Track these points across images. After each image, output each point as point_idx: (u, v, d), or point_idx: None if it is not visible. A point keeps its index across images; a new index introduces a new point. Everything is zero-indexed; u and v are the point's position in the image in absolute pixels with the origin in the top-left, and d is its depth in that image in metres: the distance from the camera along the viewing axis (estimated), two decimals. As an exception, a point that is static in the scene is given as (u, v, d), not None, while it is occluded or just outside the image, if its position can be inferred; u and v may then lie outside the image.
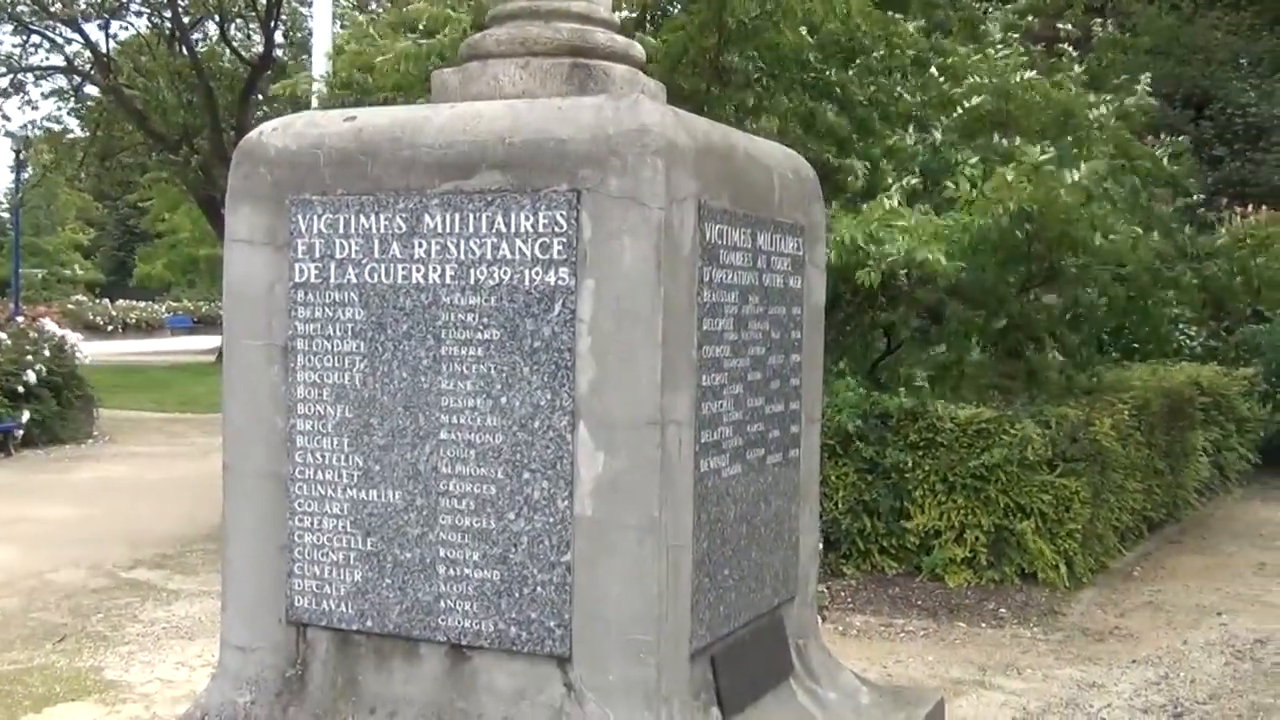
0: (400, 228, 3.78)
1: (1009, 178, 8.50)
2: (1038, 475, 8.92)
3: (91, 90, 33.20)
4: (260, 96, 30.73)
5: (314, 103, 10.73)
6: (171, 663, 7.11)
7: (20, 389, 16.04)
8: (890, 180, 9.54)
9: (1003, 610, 8.42)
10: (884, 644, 7.69)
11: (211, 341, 40.56)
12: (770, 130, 8.79)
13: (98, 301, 52.11)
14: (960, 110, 10.00)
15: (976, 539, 8.95)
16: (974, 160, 9.52)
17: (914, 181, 9.32)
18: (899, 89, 10.36)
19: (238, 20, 32.30)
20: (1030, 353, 10.41)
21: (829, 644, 4.82)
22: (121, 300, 54.28)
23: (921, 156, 9.95)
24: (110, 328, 48.84)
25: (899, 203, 8.91)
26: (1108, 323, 11.00)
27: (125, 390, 23.91)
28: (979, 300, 9.87)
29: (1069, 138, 10.25)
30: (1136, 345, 13.87)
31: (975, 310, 10.14)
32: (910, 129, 10.05)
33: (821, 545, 5.02)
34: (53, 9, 29.44)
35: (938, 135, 10.01)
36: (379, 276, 3.81)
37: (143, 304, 54.57)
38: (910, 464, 9.06)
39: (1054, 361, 10.96)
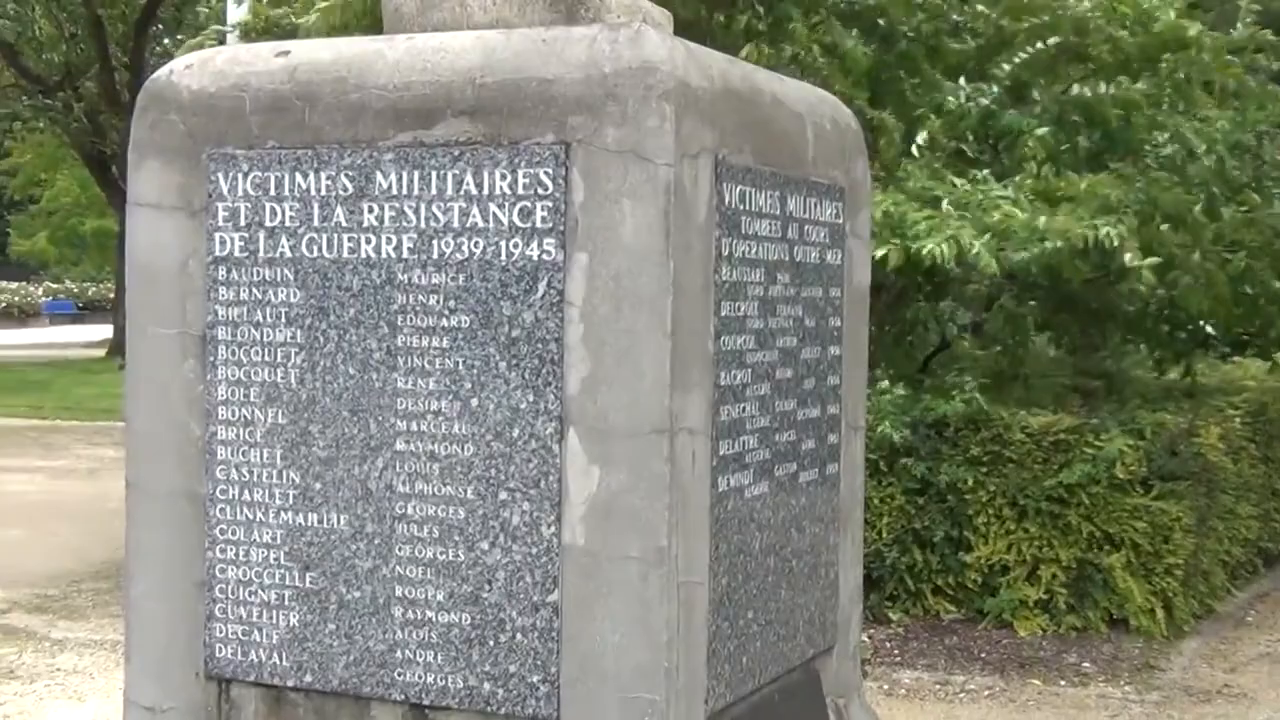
0: (346, 189, 3.79)
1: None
2: (1129, 498, 8.92)
3: (-51, 20, 33.15)
4: (161, 28, 30.69)
5: (231, 34, 10.71)
6: (57, 729, 7.12)
7: None
8: (939, 138, 9.49)
9: (1086, 664, 8.45)
10: (939, 705, 7.71)
11: (101, 332, 40.53)
12: (784, 66, 8.78)
13: (-42, 283, 52.12)
14: (1020, 58, 9.93)
15: (1053, 577, 8.95)
16: (1041, 131, 9.46)
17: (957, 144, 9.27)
18: (957, 15, 10.31)
19: (134, -67, 32.26)
20: (1113, 346, 10.42)
21: (873, 705, 4.84)
22: (-13, 281, 54.25)
23: (967, 119, 9.85)
24: (-26, 315, 48.80)
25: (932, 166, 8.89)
26: (1207, 315, 10.94)
27: (-7, 392, 23.86)
28: (1045, 288, 9.86)
29: (1157, 73, 10.16)
30: (1248, 336, 13.86)
31: (1040, 300, 10.12)
32: (962, 80, 9.99)
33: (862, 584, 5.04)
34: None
35: (990, 91, 9.89)
36: (319, 249, 3.83)
37: (14, 285, 54.50)
38: (971, 483, 9.06)
39: (1143, 358, 10.96)
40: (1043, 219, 8.33)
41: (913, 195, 8.63)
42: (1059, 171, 9.55)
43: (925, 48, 10.21)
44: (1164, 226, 9.01)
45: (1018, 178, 9.22)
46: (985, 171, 9.30)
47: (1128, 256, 8.29)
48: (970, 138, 9.72)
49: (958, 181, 8.94)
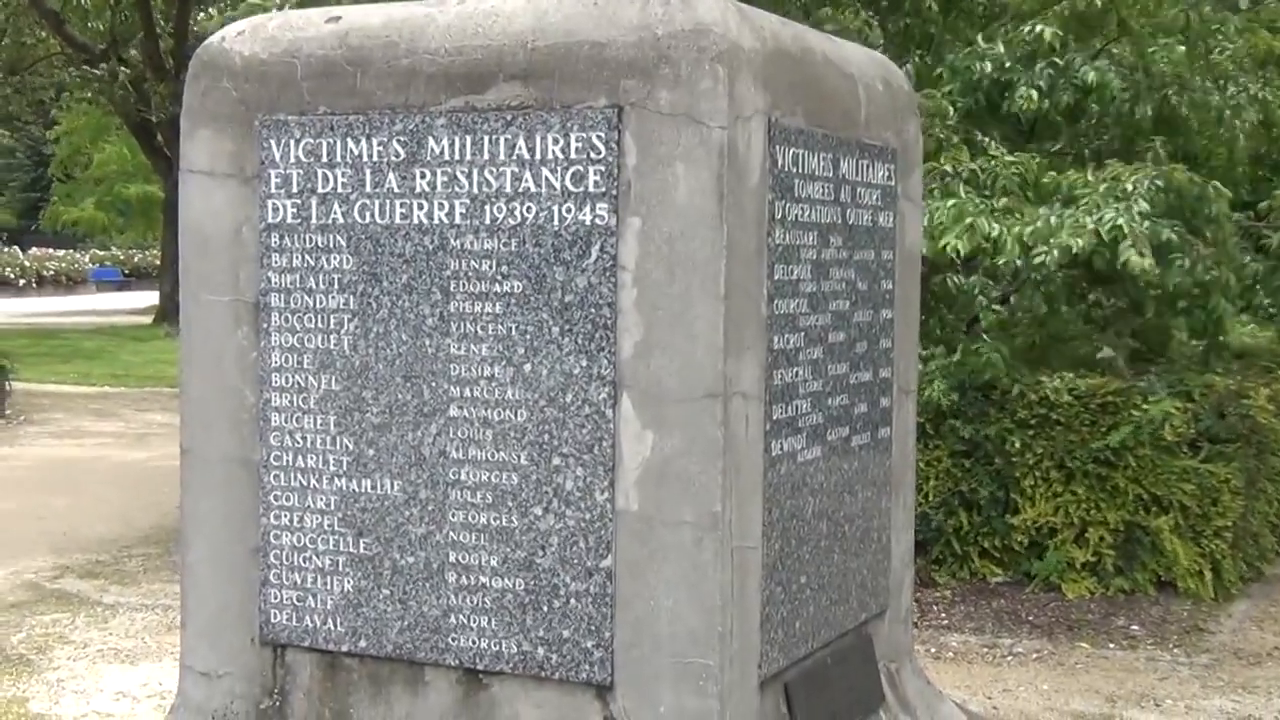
0: (398, 154, 3.77)
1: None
2: (1177, 460, 8.85)
3: (-5, -12, 33.25)
4: (206, -8, 30.68)
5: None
6: (111, 692, 7.17)
7: (-85, 357, 16.16)
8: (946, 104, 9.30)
9: (1135, 627, 8.40)
10: (988, 669, 7.69)
11: (147, 299, 40.74)
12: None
13: (6, 250, 52.39)
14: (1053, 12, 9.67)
15: (1101, 539, 8.90)
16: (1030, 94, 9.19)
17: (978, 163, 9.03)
18: None
19: (178, -102, 32.25)
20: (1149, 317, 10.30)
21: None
22: (36, 249, 54.53)
23: (978, 75, 9.56)
24: (23, 282, 49.11)
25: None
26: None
27: (43, 359, 24.02)
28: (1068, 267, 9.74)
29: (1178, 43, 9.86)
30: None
31: (1067, 276, 10.00)
32: (980, 39, 9.76)
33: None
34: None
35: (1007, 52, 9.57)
36: (372, 215, 3.81)
37: (61, 253, 54.79)
38: (1018, 446, 9.01)
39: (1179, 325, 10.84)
40: (1055, 220, 8.09)
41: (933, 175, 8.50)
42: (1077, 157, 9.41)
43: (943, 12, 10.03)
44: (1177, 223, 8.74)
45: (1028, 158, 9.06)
46: (995, 145, 9.14)
47: (1128, 251, 8.02)
48: (982, 101, 9.48)
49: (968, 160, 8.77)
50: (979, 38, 9.46)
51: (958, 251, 8.04)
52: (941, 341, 9.60)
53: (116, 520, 11.39)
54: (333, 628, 3.90)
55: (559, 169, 3.61)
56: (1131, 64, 9.43)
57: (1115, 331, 10.32)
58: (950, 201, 8.20)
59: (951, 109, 9.00)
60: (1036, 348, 10.26)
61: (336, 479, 3.88)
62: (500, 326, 3.68)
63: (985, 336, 9.51)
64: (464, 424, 3.73)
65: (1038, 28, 9.01)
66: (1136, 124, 9.81)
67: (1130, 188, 8.11)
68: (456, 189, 3.72)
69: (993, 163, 8.69)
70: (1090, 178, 8.36)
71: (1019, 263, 8.20)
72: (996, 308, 10.46)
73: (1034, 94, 9.03)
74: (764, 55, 3.65)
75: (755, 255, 3.62)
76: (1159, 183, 8.28)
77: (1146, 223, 7.95)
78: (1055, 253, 8.00)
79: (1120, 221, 7.84)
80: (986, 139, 9.10)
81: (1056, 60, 9.22)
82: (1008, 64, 9.21)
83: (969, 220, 8.01)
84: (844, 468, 4.14)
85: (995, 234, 8.01)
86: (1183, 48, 9.51)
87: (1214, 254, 9.01)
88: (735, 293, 3.52)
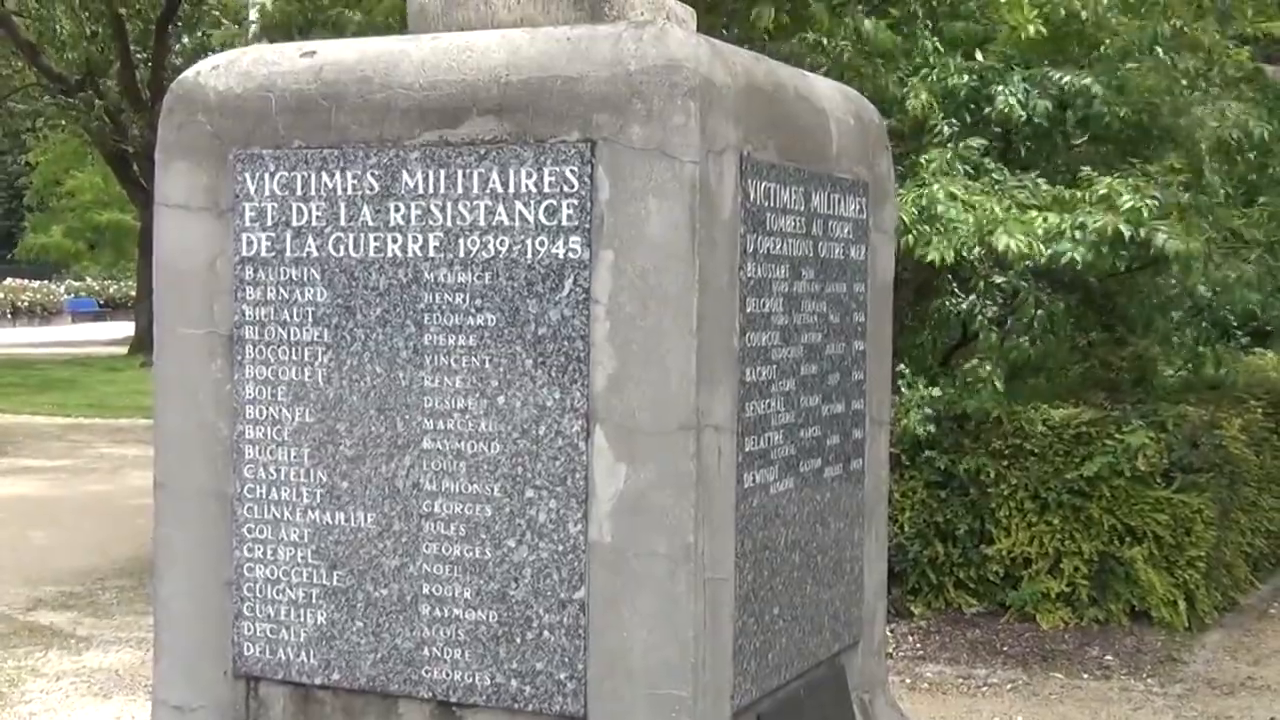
0: (372, 188, 3.79)
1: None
2: (1151, 490, 8.90)
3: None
4: (181, 23, 30.73)
5: (252, 16, 10.70)
6: (84, 726, 7.15)
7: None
8: (941, 125, 9.38)
9: (1109, 657, 8.43)
10: (962, 700, 7.71)
11: (123, 329, 40.67)
12: (809, 53, 8.75)
13: (-20, 281, 52.24)
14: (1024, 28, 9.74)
15: (1075, 569, 8.94)
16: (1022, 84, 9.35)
17: (978, 143, 9.15)
18: None
19: (154, -68, 32.29)
20: (1139, 338, 10.36)
21: (896, 699, 4.84)
22: (10, 279, 54.38)
23: (961, 87, 9.65)
24: (-4, 313, 49.00)
25: (956, 165, 8.82)
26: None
27: (17, 391, 23.96)
28: (1069, 283, 9.80)
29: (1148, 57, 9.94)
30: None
31: (1066, 294, 10.07)
32: (959, 56, 9.84)
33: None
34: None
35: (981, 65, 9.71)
36: (346, 249, 3.83)
37: (37, 284, 54.65)
38: (993, 476, 9.05)
39: (1167, 352, 10.90)
40: (1084, 218, 8.32)
41: (935, 187, 8.58)
42: (1066, 169, 9.52)
43: (930, 24, 10.11)
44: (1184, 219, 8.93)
45: (1031, 176, 9.16)
46: (994, 164, 9.23)
47: (1160, 237, 8.26)
48: (967, 119, 9.58)
49: (974, 171, 8.89)
50: (958, 55, 9.55)
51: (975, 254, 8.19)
52: (925, 370, 9.64)
53: (91, 552, 11.34)
54: (306, 660, 3.91)
55: (532, 203, 3.64)
56: (1105, 81, 9.52)
57: (1102, 359, 10.38)
58: (978, 204, 8.34)
59: (945, 127, 9.12)
60: (1030, 371, 10.31)
61: (310, 511, 3.89)
62: (474, 359, 3.70)
63: (981, 362, 9.53)
64: (437, 456, 3.75)
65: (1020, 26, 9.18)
66: (1115, 136, 9.91)
67: (1140, 184, 8.38)
68: (430, 222, 3.74)
69: (997, 186, 8.79)
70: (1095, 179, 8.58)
71: (1041, 260, 8.32)
72: (994, 330, 10.53)
73: (1014, 102, 9.12)
74: (736, 90, 3.68)
75: (727, 288, 3.65)
76: (1165, 179, 8.57)
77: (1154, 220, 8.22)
78: (1082, 249, 8.20)
79: (1133, 204, 8.14)
80: (985, 159, 9.20)
81: (1031, 72, 9.36)
82: (986, 73, 9.34)
83: (1003, 225, 8.17)
84: (816, 499, 4.16)
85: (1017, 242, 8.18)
86: (1151, 73, 9.61)
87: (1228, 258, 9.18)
88: (707, 326, 3.55)
